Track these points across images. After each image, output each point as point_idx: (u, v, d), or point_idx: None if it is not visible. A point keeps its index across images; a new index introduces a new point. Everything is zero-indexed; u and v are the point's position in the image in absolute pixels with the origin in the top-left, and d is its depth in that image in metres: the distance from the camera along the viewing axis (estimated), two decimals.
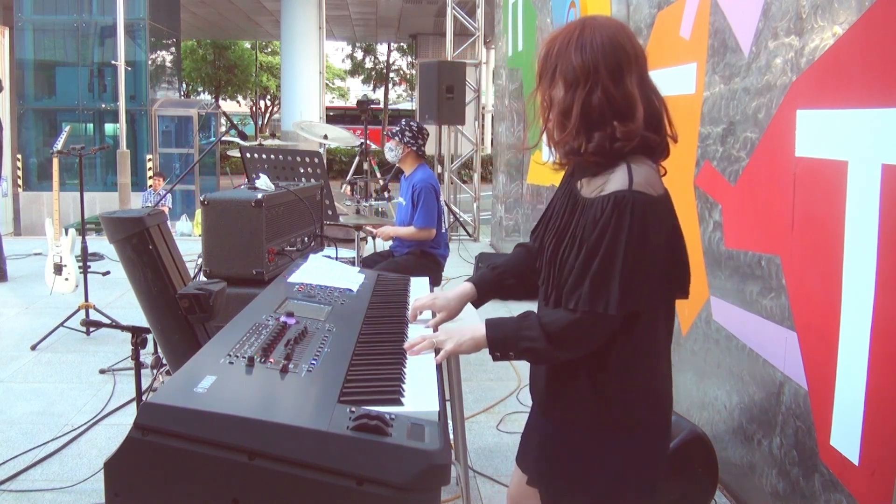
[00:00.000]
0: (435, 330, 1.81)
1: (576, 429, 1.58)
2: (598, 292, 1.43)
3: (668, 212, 1.52)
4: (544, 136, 1.60)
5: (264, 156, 4.37)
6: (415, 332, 1.76)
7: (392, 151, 4.31)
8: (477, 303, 1.82)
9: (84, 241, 4.65)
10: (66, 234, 4.92)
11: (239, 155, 5.21)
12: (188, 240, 8.68)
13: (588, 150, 1.48)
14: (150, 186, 11.74)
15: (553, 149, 1.58)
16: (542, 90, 1.56)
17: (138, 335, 2.27)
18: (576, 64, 1.48)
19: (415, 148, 4.24)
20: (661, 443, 1.63)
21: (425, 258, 4.25)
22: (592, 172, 1.52)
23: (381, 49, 32.69)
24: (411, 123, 4.31)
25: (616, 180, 1.45)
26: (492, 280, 1.80)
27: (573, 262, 1.48)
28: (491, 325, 1.56)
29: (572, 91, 1.49)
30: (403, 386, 1.42)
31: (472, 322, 1.66)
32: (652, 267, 1.47)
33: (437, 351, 1.62)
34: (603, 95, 1.46)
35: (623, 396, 1.54)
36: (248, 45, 32.87)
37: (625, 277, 1.42)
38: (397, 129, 4.31)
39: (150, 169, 13.62)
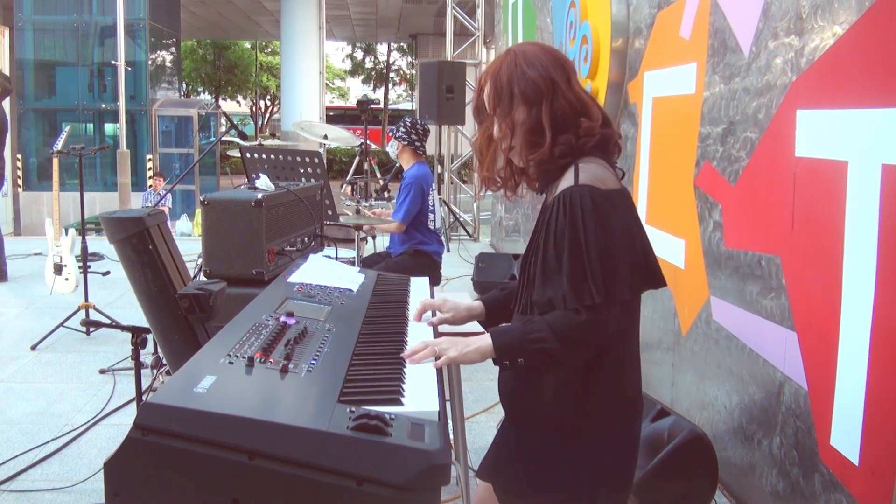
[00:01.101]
0: (436, 328, 1.80)
1: (539, 430, 1.58)
2: (580, 287, 1.44)
3: (625, 205, 1.54)
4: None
5: (264, 156, 4.37)
6: (415, 332, 1.76)
7: (391, 148, 4.40)
8: (485, 323, 1.83)
9: (84, 241, 4.65)
10: (66, 234, 4.92)
11: (239, 155, 5.20)
12: (188, 240, 8.69)
13: (556, 154, 1.53)
14: (150, 186, 11.75)
15: (516, 177, 1.65)
16: (499, 121, 1.59)
17: (138, 335, 2.27)
18: (534, 77, 1.53)
19: (407, 143, 4.26)
20: (630, 443, 1.62)
21: (419, 257, 4.26)
22: (553, 178, 1.57)
23: (381, 49, 32.71)
24: (406, 119, 4.36)
25: (566, 181, 1.51)
26: (500, 299, 1.82)
27: (539, 265, 1.51)
28: (496, 332, 1.55)
29: (537, 106, 1.54)
30: (403, 386, 1.42)
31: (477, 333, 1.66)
32: (625, 252, 1.48)
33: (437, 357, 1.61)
34: (564, 100, 1.53)
35: (588, 397, 1.54)
36: (248, 45, 32.86)
37: (595, 264, 1.44)
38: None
39: (150, 169, 13.63)
